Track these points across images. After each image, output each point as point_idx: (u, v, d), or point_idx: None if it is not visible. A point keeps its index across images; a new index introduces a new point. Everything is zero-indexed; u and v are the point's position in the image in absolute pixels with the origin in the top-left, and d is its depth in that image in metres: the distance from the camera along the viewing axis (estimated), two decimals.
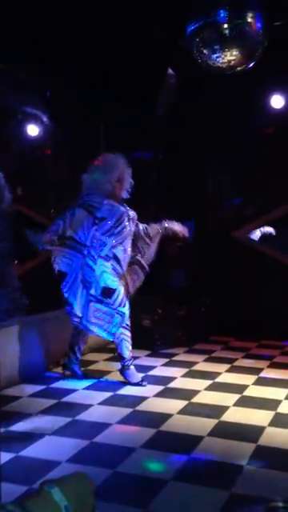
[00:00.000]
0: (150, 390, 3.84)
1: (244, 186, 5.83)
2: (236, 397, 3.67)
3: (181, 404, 3.50)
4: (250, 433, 3.02)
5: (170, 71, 5.26)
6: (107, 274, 3.82)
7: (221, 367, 4.50)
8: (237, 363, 4.68)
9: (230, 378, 4.18)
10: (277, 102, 5.46)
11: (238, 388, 3.87)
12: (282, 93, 5.43)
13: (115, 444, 2.87)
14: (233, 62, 3.79)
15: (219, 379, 4.16)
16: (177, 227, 4.17)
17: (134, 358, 4.83)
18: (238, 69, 3.97)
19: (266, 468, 2.61)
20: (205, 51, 3.72)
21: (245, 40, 3.72)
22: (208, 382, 4.04)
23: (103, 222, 3.83)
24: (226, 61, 3.75)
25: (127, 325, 3.93)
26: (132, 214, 4.00)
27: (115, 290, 3.82)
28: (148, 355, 4.95)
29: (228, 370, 4.43)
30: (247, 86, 5.10)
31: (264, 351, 5.10)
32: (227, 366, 4.54)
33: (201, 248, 5.81)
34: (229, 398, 3.63)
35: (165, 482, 2.44)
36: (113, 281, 3.83)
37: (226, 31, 3.66)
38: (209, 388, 3.91)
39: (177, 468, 2.58)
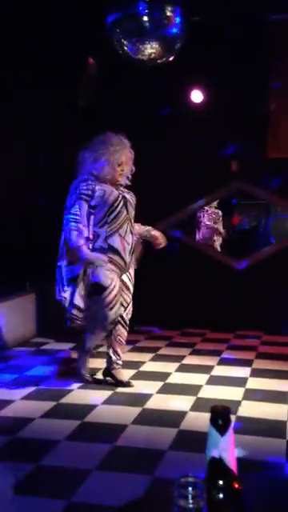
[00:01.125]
0: (74, 381, 3.83)
1: (164, 179, 5.93)
2: (159, 384, 3.75)
3: (105, 394, 3.53)
4: (172, 418, 3.10)
5: (92, 61, 5.21)
6: (102, 269, 3.46)
7: (145, 356, 4.58)
8: (160, 352, 4.78)
9: (154, 367, 4.27)
10: (196, 96, 5.59)
11: (162, 376, 3.97)
12: (202, 87, 5.56)
13: (39, 438, 2.85)
14: (153, 55, 3.83)
15: (143, 368, 4.23)
16: (157, 233, 3.87)
17: (58, 350, 4.80)
18: (158, 61, 4.03)
19: (187, 451, 2.70)
20: (125, 42, 3.74)
21: (164, 33, 3.77)
22: (133, 372, 4.09)
23: (95, 210, 3.49)
24: (146, 53, 3.78)
25: (125, 323, 3.69)
26: (130, 197, 3.64)
27: (106, 288, 3.46)
28: (73, 347, 4.92)
29: (152, 359, 4.52)
30: (168, 79, 5.18)
31: (186, 339, 5.25)
32: (151, 355, 4.63)
33: None
34: (152, 386, 3.70)
35: (89, 471, 2.46)
36: (107, 277, 3.47)
37: (146, 24, 3.69)
38: (133, 377, 3.97)
39: (101, 457, 2.60)
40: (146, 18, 3.69)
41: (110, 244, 3.50)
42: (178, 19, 3.90)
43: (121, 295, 3.58)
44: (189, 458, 2.63)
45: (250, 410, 3.25)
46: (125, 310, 3.66)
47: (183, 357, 4.58)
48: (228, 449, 1.05)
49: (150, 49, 3.83)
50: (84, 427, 3.00)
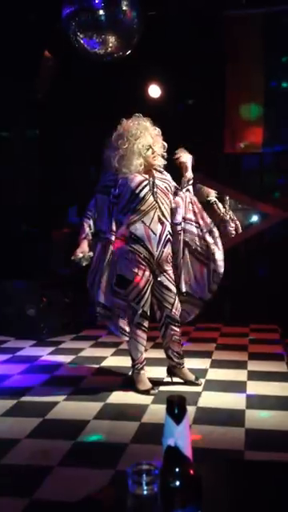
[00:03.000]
0: (35, 378, 3.80)
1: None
2: (120, 379, 3.76)
3: (67, 391, 3.51)
4: (134, 412, 3.12)
5: (47, 54, 5.15)
6: (127, 262, 3.31)
7: (107, 351, 4.58)
8: (122, 346, 4.79)
9: (116, 362, 4.27)
10: (154, 91, 5.61)
11: (124, 370, 3.98)
12: (159, 82, 5.59)
13: None
14: (109, 49, 3.82)
15: (105, 363, 4.24)
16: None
17: (19, 348, 4.75)
18: (115, 56, 4.01)
19: (149, 443, 2.73)
20: (81, 36, 3.70)
21: (120, 27, 3.76)
22: (95, 367, 4.10)
23: (119, 199, 3.31)
24: (102, 47, 3.76)
25: (140, 324, 3.43)
26: (161, 183, 3.37)
27: (131, 281, 3.32)
28: (34, 345, 4.88)
29: (113, 354, 4.53)
30: (124, 73, 5.17)
31: (147, 333, 5.27)
32: (113, 350, 4.63)
33: None
34: (115, 381, 3.71)
35: (50, 468, 2.44)
36: (130, 270, 3.32)
37: (102, 17, 3.67)
38: (95, 373, 3.97)
39: (62, 454, 2.59)
40: (101, 12, 3.67)
41: (131, 232, 3.29)
42: (134, 13, 3.90)
43: (161, 296, 3.45)
44: (151, 450, 2.63)
45: (210, 400, 3.31)
46: (170, 311, 3.47)
47: (145, 351, 4.59)
48: (184, 437, 1.06)
49: (106, 43, 3.81)
50: (45, 424, 2.98)
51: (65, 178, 5.88)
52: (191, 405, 3.13)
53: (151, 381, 3.53)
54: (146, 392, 3.41)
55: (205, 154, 5.62)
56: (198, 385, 3.56)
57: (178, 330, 3.54)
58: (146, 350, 3.62)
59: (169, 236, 3.39)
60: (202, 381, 3.66)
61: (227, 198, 6.30)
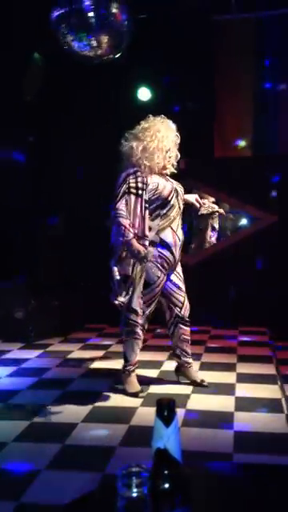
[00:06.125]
0: (23, 382, 3.77)
1: (108, 178, 5.95)
2: (109, 382, 3.75)
3: (55, 394, 3.49)
4: (122, 415, 3.11)
5: (37, 55, 5.13)
6: (151, 265, 3.31)
7: (95, 354, 4.57)
8: (111, 349, 4.78)
9: (104, 364, 4.26)
10: (143, 94, 5.62)
11: (111, 374, 3.97)
12: (149, 85, 5.60)
13: None
14: (99, 52, 3.81)
15: (93, 366, 4.22)
16: (190, 197, 3.59)
17: (6, 351, 4.72)
18: (105, 58, 4.01)
19: (138, 446, 2.72)
20: (70, 38, 3.70)
21: (110, 30, 3.76)
22: (82, 370, 4.08)
23: (148, 204, 3.29)
24: (91, 49, 3.75)
25: (143, 325, 3.40)
26: (179, 189, 3.43)
27: (151, 284, 3.32)
28: (22, 347, 4.85)
29: (102, 357, 4.51)
30: (115, 76, 5.17)
31: None
32: (101, 353, 4.62)
33: (72, 237, 5.82)
34: (102, 384, 3.70)
35: (38, 471, 2.43)
36: (154, 274, 3.32)
37: (92, 20, 3.67)
38: (83, 375, 3.95)
39: (50, 457, 2.58)
40: (91, 14, 3.66)
41: (162, 238, 3.31)
42: (124, 16, 3.90)
43: (172, 295, 3.46)
44: (140, 453, 2.64)
45: (199, 402, 3.31)
46: (180, 310, 3.49)
47: None
48: (173, 439, 1.06)
49: (96, 45, 3.80)
50: (33, 427, 2.96)
51: (53, 180, 5.86)
52: (180, 407, 3.13)
53: (140, 382, 3.52)
54: (135, 395, 3.41)
55: (196, 158, 5.65)
56: (205, 387, 3.56)
57: (187, 328, 3.56)
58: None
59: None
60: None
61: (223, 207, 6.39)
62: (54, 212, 5.87)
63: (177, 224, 3.37)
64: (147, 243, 3.26)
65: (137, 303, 3.33)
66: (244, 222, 6.33)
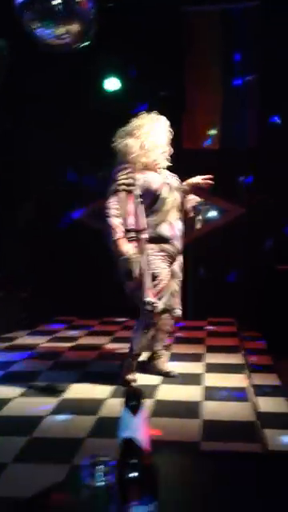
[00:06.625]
0: None
1: (77, 167, 5.90)
2: (78, 373, 3.73)
3: (21, 387, 3.45)
4: (91, 406, 3.10)
5: (1, 42, 5.01)
6: (153, 258, 3.32)
7: (64, 346, 4.54)
8: (80, 341, 4.76)
9: (74, 356, 4.24)
10: (112, 84, 5.57)
11: (81, 365, 3.95)
12: (117, 74, 5.55)
13: None
14: (65, 40, 3.74)
15: (63, 358, 4.19)
16: (194, 180, 3.55)
17: None
18: (72, 47, 3.94)
19: (107, 437, 2.72)
20: (35, 26, 3.61)
21: (77, 18, 3.69)
22: (51, 363, 4.04)
23: (141, 199, 3.32)
24: (57, 38, 3.68)
25: (155, 315, 3.36)
26: (174, 181, 3.46)
27: (156, 277, 3.31)
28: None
29: (71, 348, 4.49)
30: (82, 65, 5.11)
31: (106, 327, 5.27)
32: (71, 345, 4.59)
33: (41, 226, 5.75)
34: (71, 376, 3.67)
35: (5, 464, 2.39)
36: (158, 266, 3.33)
37: (58, 7, 3.59)
38: (51, 368, 3.92)
39: (16, 450, 2.55)
40: (57, 1, 3.58)
41: (159, 233, 3.34)
42: (91, 4, 3.84)
43: (170, 282, 3.43)
44: (108, 444, 2.63)
45: (167, 393, 3.33)
46: (174, 299, 3.48)
47: (103, 345, 4.59)
48: (140, 429, 1.06)
49: (62, 33, 3.73)
50: None
51: (23, 174, 5.75)
52: (149, 398, 3.14)
53: (109, 374, 3.51)
54: (127, 382, 3.41)
55: None
56: (173, 377, 3.57)
57: (171, 321, 3.55)
58: None
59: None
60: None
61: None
62: (22, 201, 5.77)
63: (173, 216, 3.40)
64: (145, 236, 3.29)
65: (150, 295, 3.28)
66: (213, 214, 6.37)
